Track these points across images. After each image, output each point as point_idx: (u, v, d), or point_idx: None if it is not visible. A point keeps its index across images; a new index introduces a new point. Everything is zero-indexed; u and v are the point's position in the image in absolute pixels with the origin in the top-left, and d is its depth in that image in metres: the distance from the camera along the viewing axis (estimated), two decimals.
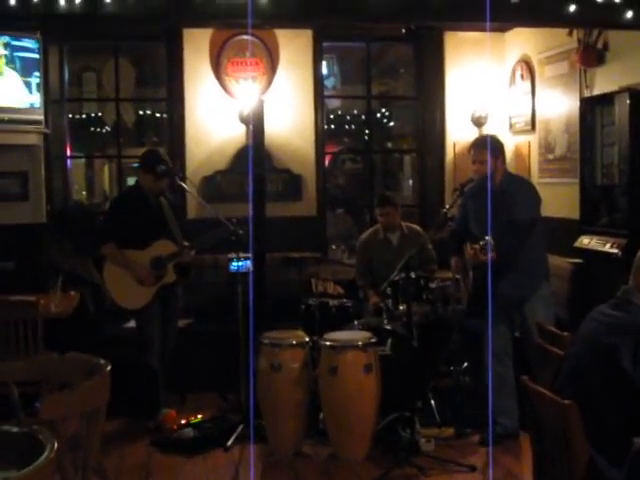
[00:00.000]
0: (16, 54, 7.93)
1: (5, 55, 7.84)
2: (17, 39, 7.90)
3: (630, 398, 3.39)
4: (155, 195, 6.76)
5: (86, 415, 3.42)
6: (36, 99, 8.15)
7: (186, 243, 6.74)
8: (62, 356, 4.06)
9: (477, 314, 6.04)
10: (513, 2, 6.07)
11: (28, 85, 8.07)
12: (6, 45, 7.84)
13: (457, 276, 6.75)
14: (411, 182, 11.71)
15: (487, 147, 6.24)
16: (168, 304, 6.82)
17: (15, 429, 2.81)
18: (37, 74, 8.14)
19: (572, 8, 6.13)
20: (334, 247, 10.19)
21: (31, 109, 8.12)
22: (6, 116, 7.91)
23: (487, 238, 5.84)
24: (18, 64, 7.96)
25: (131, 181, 10.71)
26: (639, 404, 3.38)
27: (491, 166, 6.20)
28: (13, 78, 7.95)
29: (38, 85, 8.17)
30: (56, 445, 2.55)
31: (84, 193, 12.72)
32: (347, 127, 13.13)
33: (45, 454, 2.48)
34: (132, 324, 6.94)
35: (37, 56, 8.11)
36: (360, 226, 10.41)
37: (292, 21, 7.63)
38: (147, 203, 6.73)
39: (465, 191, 6.47)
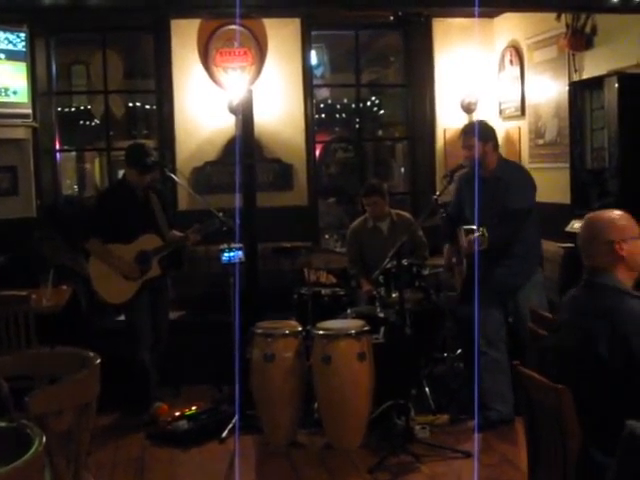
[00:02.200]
0: (3, 47, 7.89)
1: None
2: (3, 32, 7.86)
3: (610, 384, 3.38)
4: (142, 189, 6.73)
5: (77, 409, 3.41)
6: (24, 93, 8.11)
7: (178, 233, 6.75)
8: (52, 350, 4.05)
9: (471, 301, 6.03)
10: None
11: (16, 78, 8.03)
12: None
13: (452, 261, 6.72)
14: (402, 170, 11.68)
15: (474, 133, 6.25)
16: (157, 297, 6.81)
17: (3, 424, 2.79)
18: (25, 67, 8.10)
19: None
20: (327, 236, 10.18)
21: (19, 103, 8.08)
22: None
23: (476, 234, 5.86)
24: (5, 57, 7.92)
25: (122, 174, 10.73)
26: (620, 389, 3.37)
27: (479, 151, 6.20)
28: (0, 72, 7.91)
29: (26, 78, 8.13)
30: (45, 440, 2.53)
31: (75, 187, 12.67)
32: (337, 116, 13.08)
33: (33, 449, 2.46)
34: (124, 318, 6.92)
35: (24, 49, 8.07)
36: (352, 215, 10.38)
37: (279, 10, 7.62)
38: (133, 197, 6.71)
39: (459, 177, 6.49)
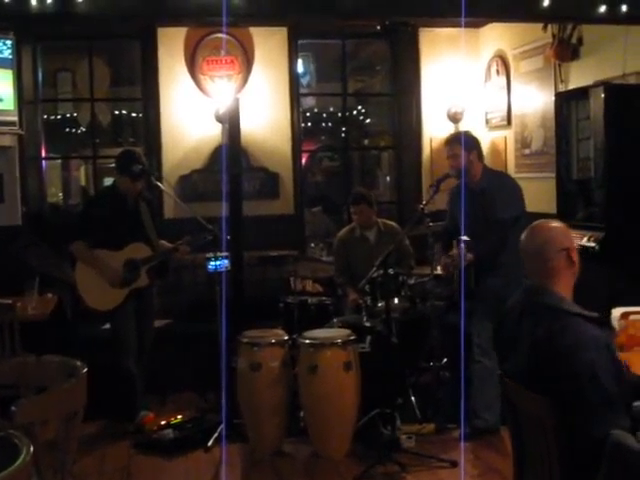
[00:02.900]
0: None
1: None
2: None
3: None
4: (133, 197, 6.71)
5: (64, 418, 3.40)
6: (10, 100, 8.09)
7: (167, 243, 6.75)
8: (38, 358, 4.02)
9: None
10: None
11: (2, 86, 8.01)
12: None
13: (446, 273, 6.71)
14: (388, 179, 11.70)
15: (460, 142, 6.27)
16: (142, 306, 6.78)
17: None
18: (11, 74, 8.08)
19: (546, 3, 6.14)
20: (312, 245, 10.18)
21: (5, 110, 8.06)
22: None
23: (461, 244, 5.89)
24: None
25: (108, 182, 10.67)
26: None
27: (465, 160, 6.22)
28: None
29: (12, 86, 8.10)
30: (32, 449, 2.52)
31: (60, 195, 12.63)
32: (324, 125, 13.12)
33: (21, 458, 2.45)
34: (109, 326, 6.90)
35: (11, 56, 8.05)
36: (338, 224, 10.39)
37: (266, 19, 7.62)
38: (123, 204, 6.68)
39: (450, 190, 6.54)
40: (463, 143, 6.29)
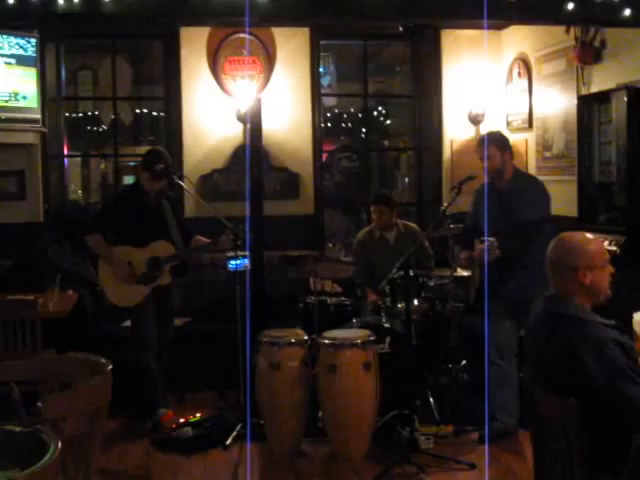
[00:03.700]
0: (14, 52, 7.91)
1: (3, 53, 7.83)
2: (14, 37, 7.89)
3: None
4: (155, 195, 6.74)
5: (89, 414, 3.42)
6: (34, 98, 8.14)
7: (203, 238, 6.79)
8: (63, 355, 4.05)
9: (481, 309, 6.04)
10: (510, 0, 6.09)
11: (26, 84, 8.06)
12: (4, 43, 7.83)
13: (466, 273, 6.72)
14: (407, 180, 11.69)
15: (493, 142, 6.27)
16: (163, 304, 6.80)
17: (18, 428, 2.80)
18: (35, 73, 8.13)
19: (570, 6, 6.15)
20: (331, 245, 10.18)
21: (28, 108, 8.11)
22: (3, 115, 7.91)
23: (485, 244, 5.88)
24: (15, 62, 7.95)
25: (128, 180, 10.73)
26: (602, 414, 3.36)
27: (499, 160, 6.22)
28: (10, 76, 7.94)
29: (36, 84, 8.16)
30: (60, 445, 2.54)
31: (80, 192, 12.67)
32: (344, 125, 13.11)
33: (49, 454, 2.47)
34: (129, 324, 6.92)
35: (35, 54, 8.10)
36: (357, 224, 10.41)
37: (289, 20, 7.64)
38: (146, 202, 6.72)
39: (477, 189, 6.51)
40: (498, 143, 6.29)
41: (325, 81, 11.25)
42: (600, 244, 3.73)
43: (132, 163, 11.45)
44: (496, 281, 6.01)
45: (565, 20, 6.89)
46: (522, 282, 6.10)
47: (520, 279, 6.13)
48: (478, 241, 6.13)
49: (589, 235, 3.74)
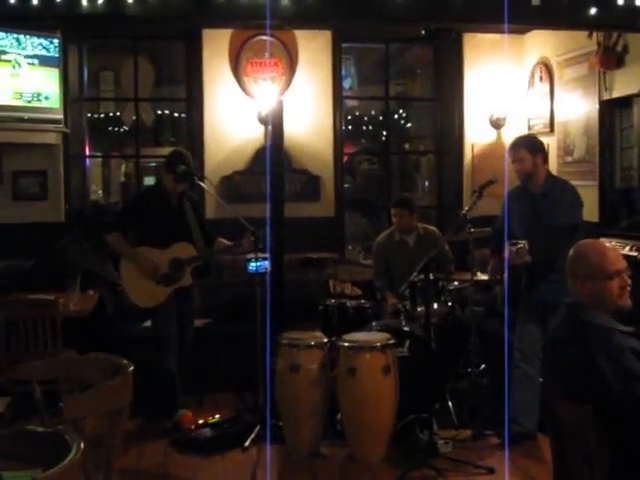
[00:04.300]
0: (36, 53, 7.96)
1: (26, 54, 7.87)
2: (37, 37, 7.93)
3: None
4: (177, 196, 6.77)
5: (109, 415, 3.44)
6: (56, 98, 8.18)
7: (225, 241, 6.83)
8: (84, 355, 4.07)
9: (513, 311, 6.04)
10: (533, 4, 6.08)
11: (48, 84, 8.11)
12: (27, 43, 7.87)
13: (495, 277, 6.69)
14: (427, 183, 11.69)
15: (524, 145, 6.24)
16: (184, 305, 6.82)
17: (40, 429, 2.82)
18: (57, 73, 8.18)
19: (593, 11, 6.14)
20: (350, 248, 10.19)
21: (51, 108, 8.15)
22: (26, 115, 7.96)
23: (520, 243, 5.86)
24: (38, 62, 7.99)
25: (149, 180, 10.77)
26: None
27: (531, 164, 6.20)
28: (33, 77, 7.99)
29: (58, 84, 8.20)
30: (82, 445, 2.56)
31: (100, 192, 12.74)
32: (364, 128, 13.12)
33: (72, 454, 2.48)
34: (149, 324, 6.95)
35: (57, 55, 8.14)
36: (377, 227, 10.40)
37: (311, 22, 7.65)
38: (168, 203, 6.74)
39: (509, 192, 6.48)
40: (529, 146, 6.26)
41: (347, 83, 11.26)
42: (606, 256, 3.68)
43: (153, 164, 11.51)
44: (525, 286, 5.98)
45: (588, 25, 6.88)
46: (553, 287, 6.02)
47: (551, 284, 6.05)
48: (510, 244, 6.10)
49: (602, 245, 3.78)
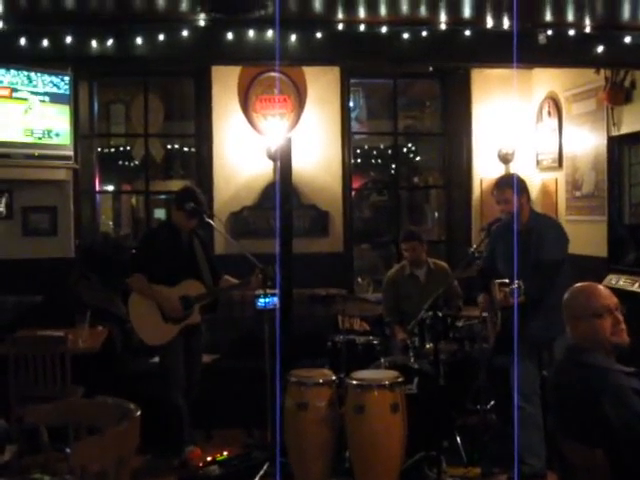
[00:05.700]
0: (47, 90, 8.03)
1: (37, 91, 7.94)
2: (49, 75, 8.01)
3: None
4: (187, 233, 6.80)
5: (116, 460, 3.44)
6: (66, 135, 8.24)
7: (232, 279, 6.86)
8: (93, 399, 4.07)
9: (506, 353, 6.01)
10: (540, 43, 6.10)
11: (59, 121, 8.17)
12: (38, 81, 7.94)
13: (484, 314, 6.72)
14: (437, 215, 11.69)
15: (510, 186, 6.26)
16: (192, 341, 6.84)
17: (47, 478, 2.82)
18: (68, 110, 8.24)
19: (600, 49, 6.16)
20: (360, 280, 10.19)
21: (61, 145, 8.21)
22: (36, 152, 8.02)
23: (515, 283, 5.85)
24: (49, 100, 8.06)
25: (159, 213, 10.80)
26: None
27: (516, 204, 6.21)
28: (44, 114, 8.05)
29: (69, 121, 8.26)
30: None
31: (110, 223, 12.77)
32: (373, 161, 13.14)
33: None
34: (157, 360, 6.95)
35: (68, 92, 8.21)
36: (386, 260, 10.40)
37: (319, 63, 7.70)
38: (178, 239, 6.78)
39: (492, 230, 6.48)
40: (514, 187, 6.28)
41: (355, 114, 11.29)
42: (594, 294, 3.72)
43: (163, 197, 11.55)
44: (518, 323, 5.98)
45: (595, 63, 6.90)
46: (545, 323, 6.06)
47: (541, 319, 6.09)
48: (498, 284, 6.11)
49: (592, 285, 3.79)
